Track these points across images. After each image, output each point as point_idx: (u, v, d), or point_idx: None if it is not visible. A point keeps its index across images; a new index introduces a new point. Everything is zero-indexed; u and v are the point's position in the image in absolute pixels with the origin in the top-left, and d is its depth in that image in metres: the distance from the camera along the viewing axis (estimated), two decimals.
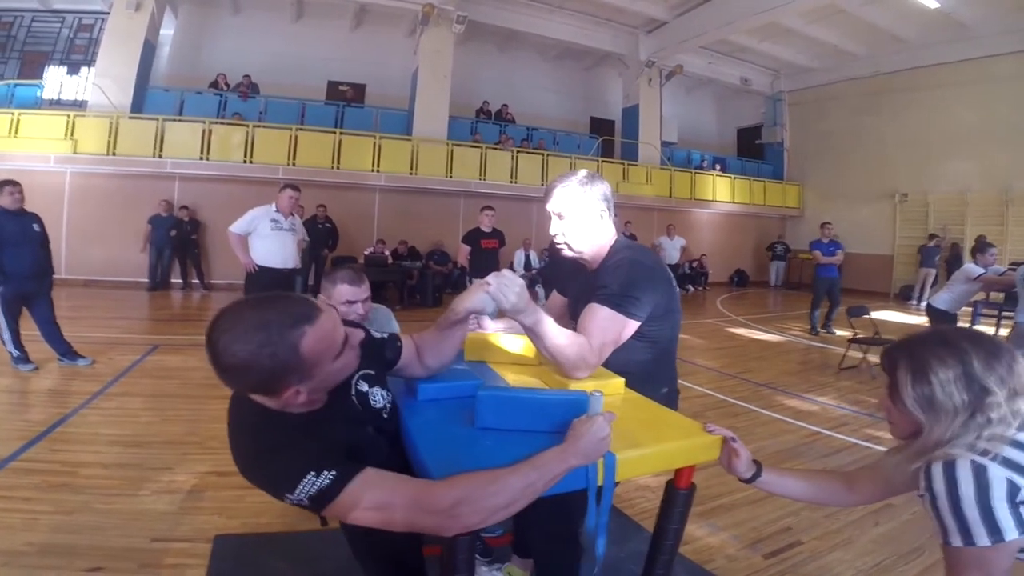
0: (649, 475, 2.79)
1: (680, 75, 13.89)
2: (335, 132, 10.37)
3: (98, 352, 4.99)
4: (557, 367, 1.51)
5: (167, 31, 11.14)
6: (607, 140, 13.95)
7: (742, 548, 2.44)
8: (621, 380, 1.57)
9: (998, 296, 5.92)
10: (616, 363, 1.63)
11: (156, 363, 5.06)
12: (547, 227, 1.73)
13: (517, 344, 1.76)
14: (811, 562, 2.34)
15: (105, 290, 8.47)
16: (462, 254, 6.57)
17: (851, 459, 3.50)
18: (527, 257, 10.21)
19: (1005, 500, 0.92)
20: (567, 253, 1.73)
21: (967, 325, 5.26)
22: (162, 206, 9.39)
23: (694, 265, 13.53)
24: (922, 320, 7.66)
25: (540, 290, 7.92)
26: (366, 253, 9.52)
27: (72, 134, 8.89)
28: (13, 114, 8.80)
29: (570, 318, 1.81)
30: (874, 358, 5.64)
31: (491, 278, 1.35)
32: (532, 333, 1.46)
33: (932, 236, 11.80)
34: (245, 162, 9.63)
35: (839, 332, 7.69)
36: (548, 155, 11.95)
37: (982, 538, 0.93)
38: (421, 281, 9.64)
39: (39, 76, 10.43)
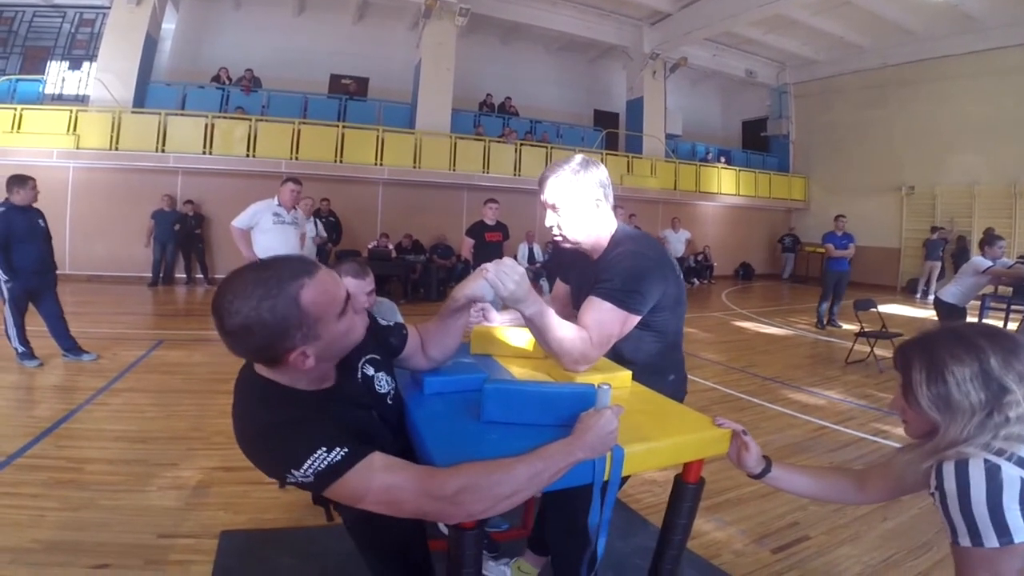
0: (656, 469, 2.78)
1: (684, 67, 13.79)
2: (338, 126, 10.35)
3: (103, 348, 5.00)
4: (557, 360, 1.49)
5: (168, 25, 11.11)
6: (611, 133, 13.89)
7: (749, 543, 2.43)
8: (628, 373, 1.55)
9: (1007, 289, 5.86)
10: (626, 353, 1.62)
11: (161, 358, 5.07)
12: None
13: (523, 338, 1.74)
14: (819, 557, 2.33)
15: (109, 285, 8.49)
16: (466, 247, 6.55)
17: (858, 453, 3.48)
18: (530, 250, 10.19)
19: (1017, 501, 0.90)
20: (565, 244, 1.70)
21: (976, 318, 5.22)
22: (165, 201, 9.39)
23: (699, 258, 13.48)
24: (929, 313, 7.61)
25: (544, 284, 7.89)
26: (370, 247, 9.52)
27: (75, 129, 8.88)
28: (16, 109, 8.79)
29: (573, 307, 1.78)
30: (881, 352, 5.61)
31: (490, 265, 1.32)
32: (532, 324, 1.43)
33: (935, 229, 11.74)
34: (248, 156, 9.62)
35: (845, 326, 7.65)
36: (552, 148, 11.89)
37: (991, 539, 0.91)
38: (425, 275, 9.64)
39: (41, 71, 10.41)
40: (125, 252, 9.21)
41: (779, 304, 10.41)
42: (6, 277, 4.38)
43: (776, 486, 1.32)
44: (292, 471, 0.95)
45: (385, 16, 12.38)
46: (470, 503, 0.96)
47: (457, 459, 1.01)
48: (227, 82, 10.85)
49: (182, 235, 9.54)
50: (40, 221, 4.56)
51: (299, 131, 9.94)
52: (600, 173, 1.62)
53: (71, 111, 9.00)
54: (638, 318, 1.55)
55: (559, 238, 1.68)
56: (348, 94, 11.76)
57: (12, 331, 4.44)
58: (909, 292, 12.18)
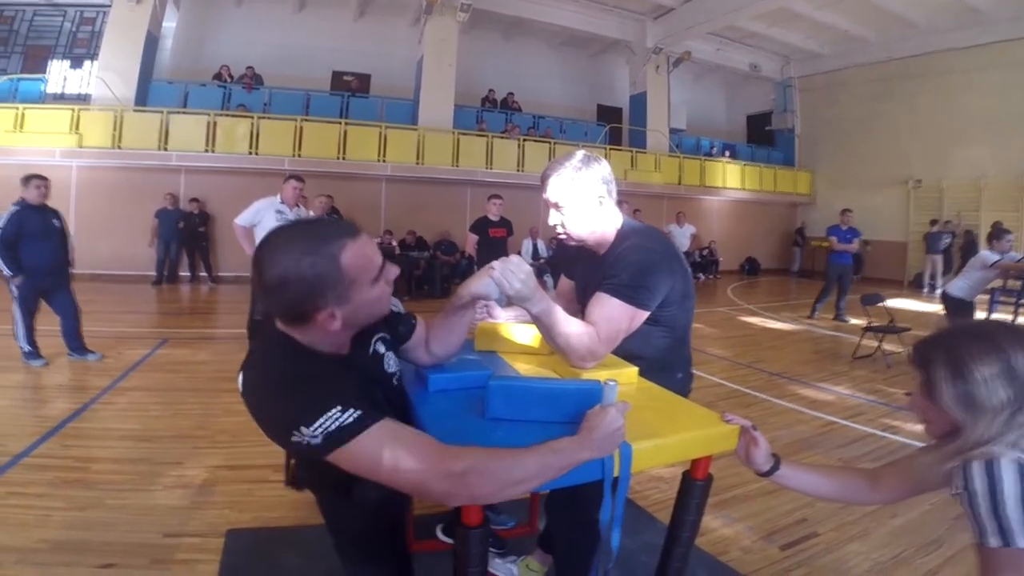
0: (664, 466, 2.76)
1: (688, 61, 13.72)
2: (340, 122, 10.34)
3: (107, 347, 5.00)
4: (564, 357, 1.48)
5: (169, 23, 11.11)
6: (615, 127, 13.82)
7: (757, 540, 2.41)
8: (634, 369, 1.54)
9: (1015, 283, 5.82)
10: (633, 348, 1.59)
11: (165, 357, 5.08)
12: None
13: (529, 334, 1.72)
14: (827, 554, 2.31)
15: (113, 284, 8.50)
16: (470, 243, 6.52)
17: (867, 449, 3.45)
18: (535, 246, 10.16)
19: None
20: (570, 242, 1.69)
21: (984, 313, 5.18)
22: (168, 199, 9.41)
23: (704, 253, 13.43)
24: (936, 308, 7.56)
25: (549, 279, 7.87)
26: None
27: (77, 128, 8.89)
28: (18, 109, 8.81)
29: (577, 303, 1.77)
30: (889, 347, 5.57)
31: (497, 263, 1.31)
32: (539, 322, 1.42)
33: (934, 222, 11.68)
34: (250, 154, 9.62)
35: (853, 320, 7.61)
36: (555, 143, 11.85)
37: (1021, 539, 0.89)
38: (429, 271, 9.63)
39: (42, 70, 10.43)
40: (129, 251, 9.23)
41: (786, 299, 10.37)
42: (11, 274, 4.37)
43: (785, 484, 1.29)
44: (301, 427, 0.92)
45: (386, 12, 12.35)
46: (477, 485, 0.94)
47: None
48: (229, 80, 10.84)
49: (186, 233, 9.55)
50: (55, 220, 4.56)
51: (301, 128, 9.94)
52: (602, 169, 1.60)
53: (73, 110, 9.01)
54: (646, 314, 1.53)
55: (563, 236, 1.66)
56: (350, 91, 11.74)
57: (20, 330, 4.45)
58: (916, 286, 12.11)
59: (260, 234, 4.86)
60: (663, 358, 1.67)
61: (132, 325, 6.37)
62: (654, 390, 1.49)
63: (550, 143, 11.85)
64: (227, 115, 9.83)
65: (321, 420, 0.91)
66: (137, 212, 9.22)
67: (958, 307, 5.13)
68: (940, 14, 11.48)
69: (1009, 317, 5.27)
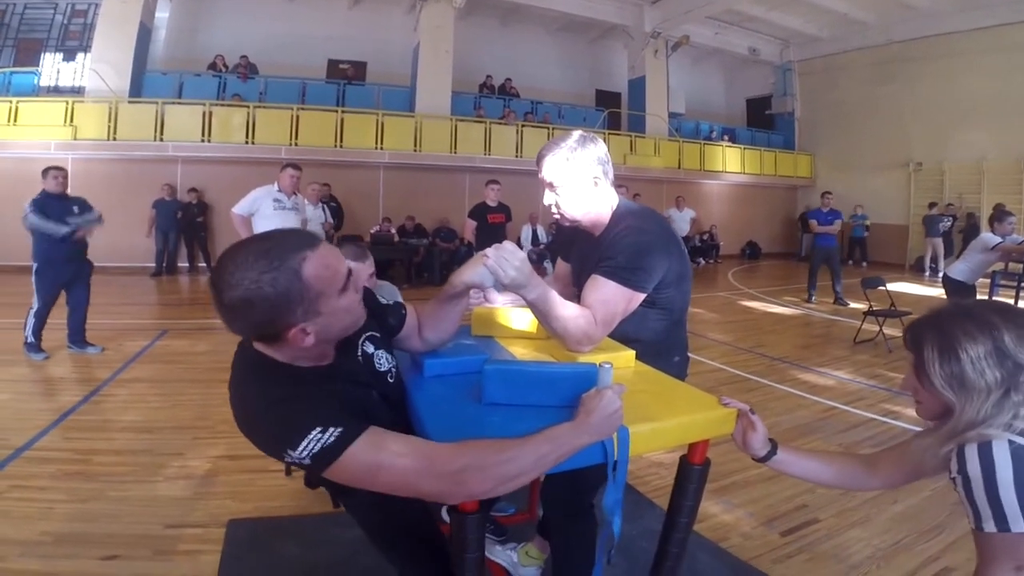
0: (663, 451, 2.76)
1: (687, 46, 13.58)
2: (337, 111, 10.27)
3: (107, 339, 4.99)
4: (561, 342, 1.47)
5: (162, 14, 10.99)
6: (613, 112, 13.72)
7: (758, 526, 2.41)
8: (631, 353, 1.53)
9: (1017, 266, 5.78)
10: (630, 331, 1.58)
11: (165, 348, 5.08)
12: None
13: (525, 318, 1.71)
14: (828, 540, 2.31)
15: (112, 276, 8.45)
16: (468, 229, 6.50)
17: (868, 434, 3.45)
18: (534, 232, 10.13)
19: None
20: (564, 223, 1.68)
21: (986, 296, 5.17)
22: (165, 190, 9.37)
23: (705, 237, 13.39)
24: (938, 291, 7.55)
25: (549, 265, 7.85)
26: (372, 232, 9.48)
27: (71, 120, 8.83)
28: (11, 102, 8.75)
29: (574, 285, 1.76)
30: (890, 331, 5.56)
31: (490, 251, 1.28)
32: (535, 308, 1.41)
33: (932, 204, 11.61)
34: (247, 143, 9.57)
35: (853, 304, 7.60)
36: (553, 128, 11.75)
37: (1018, 524, 0.87)
38: (428, 258, 9.60)
39: (35, 63, 10.32)
40: (127, 242, 9.18)
41: (787, 283, 10.34)
42: (37, 264, 4.41)
43: (782, 470, 1.27)
44: (288, 451, 0.92)
45: (381, 0, 12.20)
46: (473, 483, 0.93)
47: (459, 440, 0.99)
48: (223, 69, 10.75)
49: (184, 223, 9.52)
50: (76, 208, 4.55)
51: (298, 117, 9.87)
52: (598, 150, 1.57)
53: (67, 102, 8.95)
54: (643, 296, 1.52)
55: (557, 216, 1.65)
56: (346, 79, 11.62)
57: (31, 319, 4.44)
58: (918, 270, 12.07)
59: (258, 223, 4.89)
60: (660, 341, 1.66)
61: (132, 317, 6.37)
62: (651, 374, 1.49)
63: (548, 128, 11.75)
64: (223, 105, 9.76)
65: (304, 443, 0.91)
66: (134, 203, 9.16)
67: (959, 290, 5.11)
68: None
69: (1011, 300, 5.24)
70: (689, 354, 1.83)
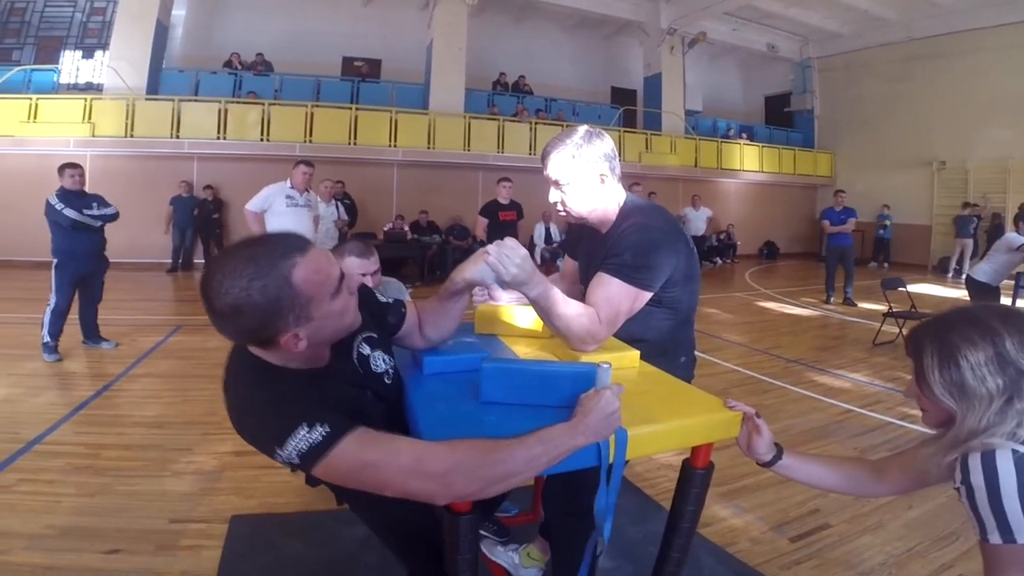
0: (669, 453, 2.71)
1: (703, 42, 13.39)
2: (351, 108, 10.30)
3: (122, 335, 5.04)
4: (564, 341, 1.44)
5: (179, 12, 11.12)
6: (629, 110, 13.60)
7: (767, 531, 2.36)
8: (636, 353, 1.49)
9: None
10: (635, 331, 1.55)
11: (178, 344, 5.12)
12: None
13: (529, 317, 1.68)
14: (839, 546, 2.24)
15: (128, 272, 8.57)
16: (479, 227, 6.49)
17: (884, 439, 3.36)
18: (547, 230, 10.09)
19: None
20: (569, 220, 1.65)
21: (1010, 299, 5.03)
22: (182, 187, 9.47)
23: (721, 237, 13.22)
24: (961, 293, 7.38)
25: (562, 264, 7.81)
26: (385, 229, 9.49)
27: (90, 117, 8.95)
28: (31, 99, 8.89)
29: (581, 283, 1.73)
30: None
31: (491, 247, 1.26)
32: (537, 306, 1.39)
33: (967, 204, 11.30)
34: (262, 140, 9.64)
35: (869, 305, 7.45)
36: (567, 126, 11.66)
37: (1023, 535, 0.84)
38: (441, 256, 9.60)
39: (55, 61, 10.49)
40: (144, 239, 9.29)
41: (805, 284, 10.18)
42: (57, 259, 4.44)
43: (787, 475, 1.24)
44: (277, 450, 0.92)
45: None
46: (461, 484, 0.92)
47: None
48: (239, 67, 10.84)
49: (200, 220, 9.61)
50: (94, 205, 4.57)
51: (312, 114, 9.92)
52: (604, 145, 1.54)
53: (86, 99, 9.08)
54: (649, 294, 1.49)
55: (563, 213, 1.62)
56: (361, 76, 11.67)
57: (48, 318, 4.43)
58: (940, 271, 11.82)
59: (271, 220, 4.91)
60: (665, 341, 1.62)
61: (146, 313, 6.44)
62: (655, 374, 1.45)
63: (562, 126, 11.64)
64: (238, 102, 9.84)
65: (291, 441, 0.91)
66: (151, 200, 9.27)
67: (982, 292, 4.97)
68: None
69: None
70: (697, 354, 1.79)
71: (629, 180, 9.14)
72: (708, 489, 1.30)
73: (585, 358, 1.40)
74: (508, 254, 1.25)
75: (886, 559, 2.16)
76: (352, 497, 1.28)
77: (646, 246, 1.46)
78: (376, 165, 10.58)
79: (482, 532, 2.16)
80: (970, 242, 11.07)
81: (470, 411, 1.17)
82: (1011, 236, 4.98)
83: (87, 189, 4.69)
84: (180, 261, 9.61)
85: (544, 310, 1.38)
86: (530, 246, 10.10)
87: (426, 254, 9.50)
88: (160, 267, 9.46)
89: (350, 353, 1.18)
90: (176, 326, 5.68)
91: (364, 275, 2.14)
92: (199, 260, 10.07)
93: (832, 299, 7.99)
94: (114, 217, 4.70)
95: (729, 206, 14.11)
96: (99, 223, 4.57)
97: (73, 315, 4.69)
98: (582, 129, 1.55)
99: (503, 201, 6.40)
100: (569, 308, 1.38)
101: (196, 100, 9.78)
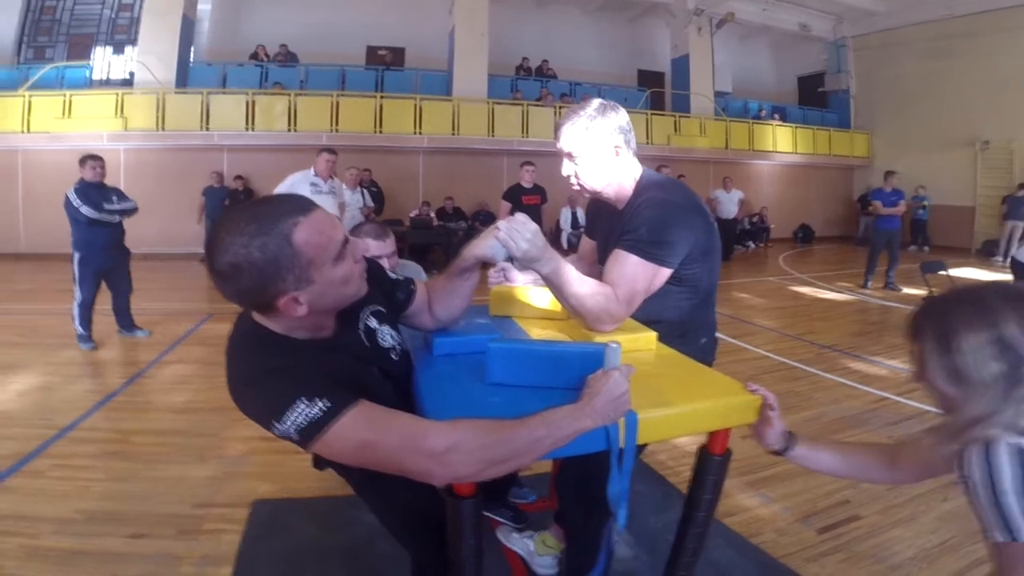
0: (692, 439, 2.65)
1: (732, 23, 13.00)
2: (376, 96, 10.33)
3: (155, 323, 5.17)
4: (579, 320, 1.39)
5: (204, 6, 11.28)
6: (656, 92, 13.32)
7: (793, 521, 2.28)
8: (653, 334, 1.43)
9: None
10: (653, 311, 1.50)
11: (210, 331, 5.22)
12: None
13: (546, 298, 1.63)
14: (868, 539, 2.15)
15: (163, 263, 8.80)
16: (503, 211, 6.45)
17: (920, 427, 3.21)
18: (573, 214, 9.98)
19: None
20: (584, 194, 1.60)
21: None
22: (214, 178, 9.62)
23: (754, 220, 12.87)
24: (1007, 277, 7.05)
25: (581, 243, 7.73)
26: (411, 215, 9.52)
27: (122, 112, 9.18)
28: (65, 95, 9.14)
29: (599, 263, 1.68)
30: None
31: (502, 223, 1.23)
32: (551, 283, 1.34)
33: (1022, 185, 10.74)
34: (289, 131, 9.75)
35: (909, 290, 7.18)
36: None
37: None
38: (467, 242, 9.55)
39: (86, 57, 10.75)
40: (177, 229, 9.50)
41: (841, 268, 9.87)
42: (80, 254, 4.51)
43: (800, 464, 1.20)
44: (274, 423, 0.90)
45: None
46: (459, 464, 0.89)
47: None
48: (265, 59, 10.95)
49: None
50: (114, 198, 4.63)
51: (338, 104, 9.97)
52: (619, 118, 1.49)
53: (117, 94, 9.30)
54: (668, 271, 1.43)
55: (576, 187, 1.57)
56: (384, 65, 11.69)
57: (77, 310, 4.54)
58: (984, 254, 11.31)
59: None
60: (684, 322, 1.56)
61: (179, 301, 6.58)
62: (672, 356, 1.40)
63: (570, 107, 11.50)
64: (265, 93, 9.96)
65: (289, 415, 0.89)
66: (183, 191, 9.46)
67: None
68: None
69: None
70: (727, 339, 1.72)
71: (657, 162, 8.96)
72: (725, 477, 1.25)
73: (600, 339, 1.34)
74: (519, 229, 1.22)
75: (917, 553, 2.07)
76: (357, 482, 1.27)
77: (663, 221, 1.42)
78: (401, 152, 10.61)
79: (498, 519, 2.14)
80: (1021, 224, 10.54)
81: (476, 392, 1.15)
82: None
83: (114, 181, 4.76)
84: None
85: (557, 287, 1.34)
86: (556, 231, 10.01)
87: (452, 240, 9.49)
88: (194, 257, 9.63)
89: (356, 325, 1.15)
90: (208, 314, 5.79)
91: (380, 257, 2.12)
92: None
93: (870, 284, 7.69)
94: (133, 211, 4.74)
95: (762, 188, 13.74)
96: (117, 218, 4.62)
97: (107, 304, 4.81)
98: (596, 102, 1.51)
99: (526, 185, 6.35)
100: (584, 286, 1.34)
101: (224, 92, 9.93)
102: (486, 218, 10.03)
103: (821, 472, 1.22)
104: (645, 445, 1.29)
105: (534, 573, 1.93)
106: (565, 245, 9.62)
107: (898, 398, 3.64)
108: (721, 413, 1.17)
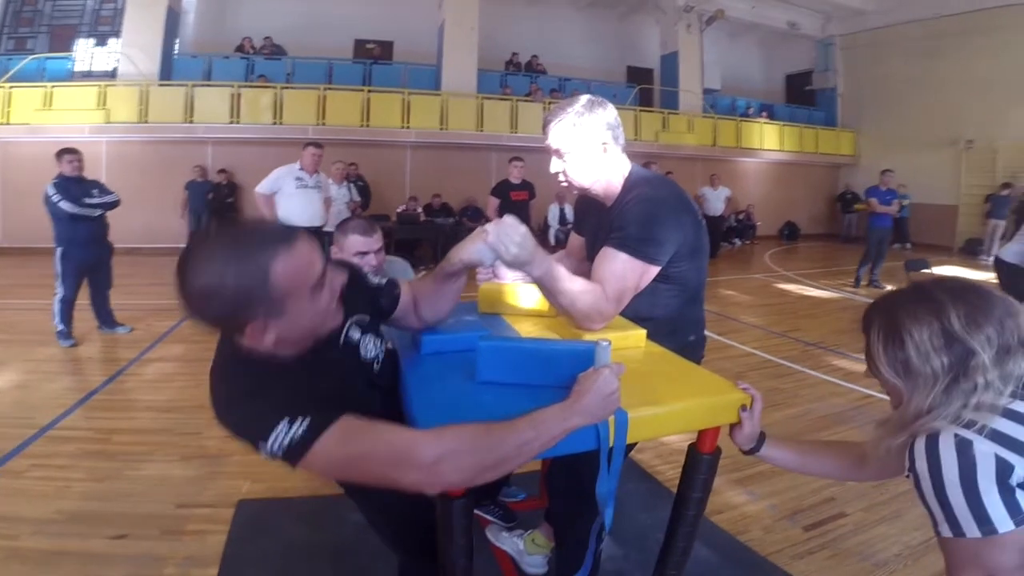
0: (681, 437, 2.65)
1: (721, 20, 13.02)
2: (363, 90, 10.22)
3: (137, 319, 5.08)
4: (569, 319, 1.39)
5: None
6: (645, 89, 13.33)
7: (780, 519, 2.29)
8: (642, 332, 1.43)
9: None
10: (642, 308, 1.50)
11: (192, 328, 5.09)
12: None
13: (534, 296, 1.62)
14: (854, 536, 2.18)
15: (146, 257, 8.65)
16: (491, 207, 6.44)
17: None
18: (561, 211, 9.97)
19: (994, 482, 0.77)
20: (572, 191, 1.60)
21: None
22: (197, 171, 9.51)
23: (740, 217, 12.95)
24: (990, 276, 7.15)
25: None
26: (398, 210, 9.45)
27: (104, 104, 8.99)
28: (46, 87, 8.95)
29: (588, 260, 1.67)
30: None
31: (490, 226, 1.20)
32: (542, 285, 1.33)
33: (1006, 185, 10.88)
34: (275, 124, 9.61)
35: (891, 287, 7.24)
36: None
37: (971, 529, 0.79)
38: (454, 238, 9.53)
39: (68, 49, 10.52)
40: (161, 223, 9.36)
41: (827, 265, 9.96)
42: (61, 249, 4.41)
43: (770, 463, 1.22)
44: (260, 445, 0.89)
45: None
46: (449, 473, 0.88)
47: (445, 423, 0.93)
48: (251, 51, 10.81)
49: (215, 204, 9.64)
50: (94, 192, 4.53)
51: (324, 97, 9.86)
52: (607, 114, 1.48)
53: (99, 86, 9.11)
54: (656, 268, 1.43)
55: (565, 184, 1.56)
56: (373, 58, 11.57)
57: (57, 306, 4.45)
58: (967, 253, 11.48)
59: (281, 201, 4.92)
60: (673, 319, 1.56)
61: (163, 297, 6.44)
62: (662, 354, 1.40)
63: (558, 103, 11.48)
64: (250, 86, 9.82)
65: (273, 436, 0.88)
66: (167, 185, 9.33)
67: (1012, 274, 4.79)
68: None
69: None
70: (713, 336, 1.72)
71: (645, 158, 8.97)
72: (715, 475, 1.25)
73: (590, 337, 1.34)
74: (508, 232, 1.19)
75: (902, 550, 2.09)
76: (346, 483, 1.25)
77: (651, 218, 1.41)
78: (389, 147, 10.51)
79: (488, 517, 2.13)
80: (1003, 223, 10.70)
81: (466, 392, 1.13)
82: None
83: (96, 174, 4.67)
84: None
85: (548, 289, 1.33)
86: (544, 227, 9.99)
87: (439, 236, 9.45)
88: (177, 252, 9.33)
89: (339, 338, 1.13)
90: None
91: (367, 253, 2.10)
92: None
93: (861, 283, 7.72)
94: (114, 204, 4.65)
95: (748, 186, 13.82)
96: (98, 212, 4.52)
97: (85, 298, 4.72)
98: (584, 98, 1.50)
99: (515, 181, 6.33)
100: (574, 285, 1.33)
101: (208, 85, 9.76)
102: (474, 214, 9.99)
103: (790, 469, 1.25)
104: (634, 444, 1.29)
105: (524, 572, 1.93)
106: (552, 241, 9.60)
107: (883, 396, 3.64)
108: (710, 411, 1.17)
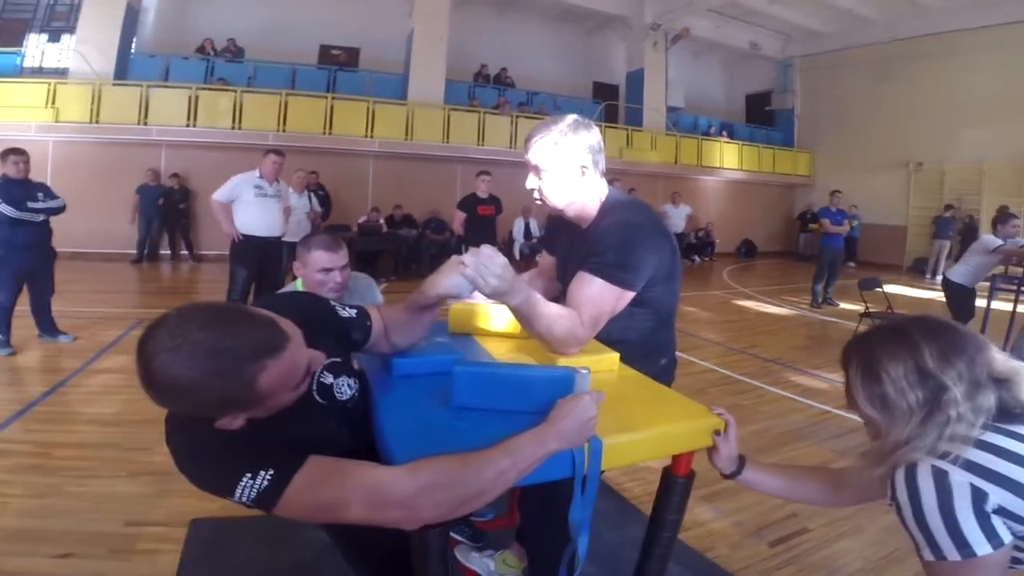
0: (644, 462, 2.66)
1: (687, 39, 13.41)
2: (327, 97, 10.07)
3: (81, 328, 4.84)
4: (544, 344, 1.37)
5: None
6: (610, 105, 13.57)
7: (746, 535, 2.32)
8: (615, 356, 1.44)
9: (1017, 269, 5.69)
10: (615, 332, 1.49)
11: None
12: None
13: (506, 316, 1.60)
14: (817, 551, 2.22)
15: (92, 263, 8.29)
16: (457, 221, 6.40)
17: (862, 440, 3.30)
18: (527, 225, 10.00)
19: (970, 509, 0.82)
20: (547, 209, 1.58)
21: (985, 299, 5.08)
22: (149, 175, 9.18)
23: (700, 234, 13.26)
24: (936, 294, 7.47)
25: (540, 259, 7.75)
26: (360, 221, 9.32)
27: (53, 102, 8.61)
28: None
29: (558, 280, 1.67)
30: None
31: (468, 258, 1.16)
32: (519, 314, 1.30)
33: (949, 207, 11.46)
34: (233, 128, 9.36)
35: (846, 305, 7.51)
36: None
37: (952, 553, 0.83)
38: (417, 250, 9.46)
39: (19, 44, 10.04)
40: (108, 228, 8.99)
41: (783, 283, 10.26)
42: (1, 252, 4.19)
43: (749, 487, 1.25)
44: (229, 498, 0.87)
45: None
46: (427, 509, 0.87)
47: (421, 452, 0.91)
48: (212, 53, 10.53)
49: (166, 210, 9.32)
50: (40, 194, 4.32)
51: (286, 103, 9.66)
52: (591, 137, 1.47)
53: (49, 84, 8.72)
54: (632, 294, 1.43)
55: (539, 202, 1.54)
56: (338, 65, 11.43)
57: None
58: (915, 272, 12.00)
59: (239, 210, 4.77)
60: (646, 343, 1.57)
61: (108, 305, 6.19)
62: (635, 378, 1.40)
63: (544, 119, 11.57)
64: (209, 89, 9.55)
65: (239, 490, 0.86)
66: (117, 188, 8.97)
67: (959, 293, 5.03)
68: None
69: (1009, 305, 5.15)
70: (677, 354, 1.73)
71: (609, 175, 9.06)
72: (689, 498, 1.25)
73: (564, 361, 1.34)
74: (487, 264, 1.15)
75: (864, 564, 2.14)
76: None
77: (629, 244, 1.41)
78: (352, 156, 10.37)
79: (456, 537, 2.08)
80: (948, 243, 11.23)
81: (441, 418, 1.11)
82: (987, 238, 5.03)
83: (41, 176, 4.45)
84: (146, 252, 9.28)
85: (525, 316, 1.30)
86: (509, 241, 9.99)
87: (401, 248, 9.34)
88: (125, 257, 9.14)
89: (311, 385, 1.08)
90: (139, 319, 5.47)
91: (332, 269, 2.05)
92: (165, 251, 9.77)
93: (819, 300, 7.88)
94: (60, 210, 4.44)
95: (708, 204, 14.19)
96: (41, 217, 4.32)
97: (24, 303, 4.47)
98: (570, 117, 1.49)
99: (482, 195, 6.31)
100: (551, 310, 1.32)
101: (165, 86, 9.46)
102: (437, 226, 9.91)
103: (769, 495, 1.28)
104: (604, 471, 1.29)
105: None
106: (517, 255, 9.62)
107: (840, 412, 3.76)
108: (685, 437, 1.18)
